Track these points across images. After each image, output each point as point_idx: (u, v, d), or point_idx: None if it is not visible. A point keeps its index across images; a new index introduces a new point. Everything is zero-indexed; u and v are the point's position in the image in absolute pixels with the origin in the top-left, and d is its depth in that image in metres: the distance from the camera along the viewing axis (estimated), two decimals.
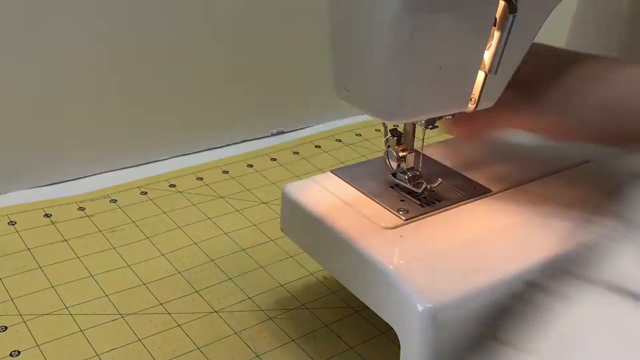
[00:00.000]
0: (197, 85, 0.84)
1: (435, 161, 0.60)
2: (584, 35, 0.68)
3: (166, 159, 0.84)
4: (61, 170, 0.77)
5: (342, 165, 0.84)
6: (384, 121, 0.50)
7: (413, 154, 0.55)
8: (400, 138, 0.54)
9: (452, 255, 0.49)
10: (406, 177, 0.54)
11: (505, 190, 0.56)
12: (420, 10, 0.42)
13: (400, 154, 0.54)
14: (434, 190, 0.55)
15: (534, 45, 0.50)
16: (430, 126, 0.53)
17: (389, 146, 0.54)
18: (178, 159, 0.84)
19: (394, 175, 0.55)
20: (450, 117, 0.53)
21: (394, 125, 0.58)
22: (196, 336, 0.56)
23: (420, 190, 0.54)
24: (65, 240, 0.67)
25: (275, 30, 0.87)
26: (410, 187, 0.54)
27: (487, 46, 0.48)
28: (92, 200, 0.74)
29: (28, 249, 0.65)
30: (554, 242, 0.49)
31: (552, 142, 0.55)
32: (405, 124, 0.54)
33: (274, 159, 0.85)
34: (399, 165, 0.55)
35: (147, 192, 0.76)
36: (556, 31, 0.67)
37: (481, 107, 0.51)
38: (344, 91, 0.49)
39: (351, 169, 0.59)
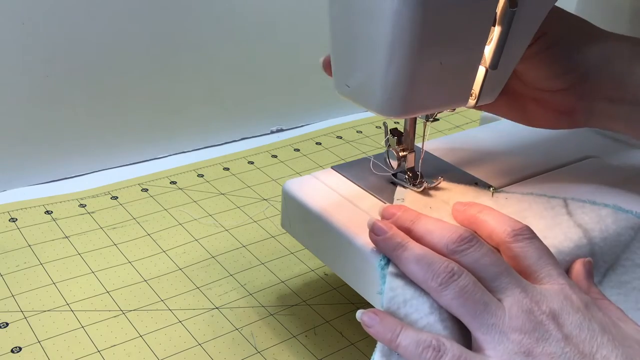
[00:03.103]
0: (198, 83, 0.84)
1: (436, 157, 0.60)
2: None
3: (167, 156, 0.84)
4: (62, 167, 0.77)
5: (342, 162, 0.84)
6: (384, 117, 0.50)
7: (413, 153, 0.55)
8: (400, 138, 0.54)
9: None
10: (406, 176, 0.54)
11: (506, 185, 0.56)
12: (420, 5, 0.42)
13: (401, 153, 0.54)
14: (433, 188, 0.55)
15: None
16: (431, 119, 0.53)
17: (389, 146, 0.54)
18: (179, 156, 0.85)
19: (395, 175, 0.55)
20: None
21: (394, 122, 0.58)
22: (197, 332, 0.56)
23: (420, 190, 0.54)
24: (66, 236, 0.67)
25: (275, 28, 0.87)
26: (410, 187, 0.54)
27: (488, 41, 0.48)
28: (93, 197, 0.74)
29: (29, 245, 0.66)
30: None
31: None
32: (405, 124, 0.54)
33: (274, 156, 0.85)
34: (399, 165, 0.55)
35: (147, 189, 0.76)
36: None
37: (482, 102, 0.51)
38: (344, 87, 0.49)
39: (352, 166, 0.59)
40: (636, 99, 0.49)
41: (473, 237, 0.43)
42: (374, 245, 0.47)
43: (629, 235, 0.50)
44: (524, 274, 0.43)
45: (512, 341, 0.39)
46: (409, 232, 0.46)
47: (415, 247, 0.44)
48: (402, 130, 0.54)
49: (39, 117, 0.75)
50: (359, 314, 0.43)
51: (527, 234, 0.44)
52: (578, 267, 0.47)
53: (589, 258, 0.48)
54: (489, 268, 0.42)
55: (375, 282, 0.46)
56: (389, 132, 0.54)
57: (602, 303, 0.44)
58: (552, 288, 0.42)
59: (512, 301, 0.40)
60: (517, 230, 0.44)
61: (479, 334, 0.40)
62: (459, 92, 0.49)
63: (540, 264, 0.43)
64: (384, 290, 0.44)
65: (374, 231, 0.46)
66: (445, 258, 0.42)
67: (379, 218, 0.48)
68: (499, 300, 0.41)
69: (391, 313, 0.43)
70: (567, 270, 0.47)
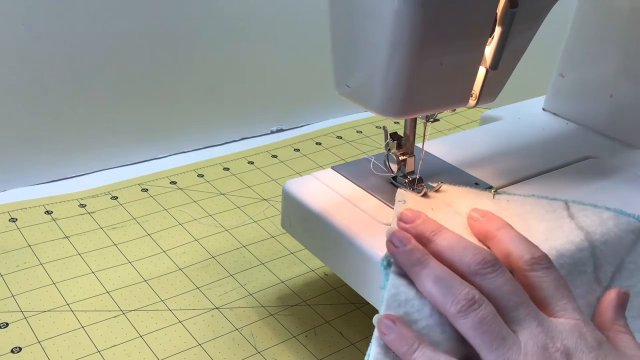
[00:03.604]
0: (198, 83, 0.84)
1: (436, 157, 0.60)
2: (584, 35, 0.68)
3: (167, 156, 0.84)
4: (62, 167, 0.77)
5: (342, 161, 0.84)
6: (384, 117, 0.50)
7: (413, 157, 0.54)
8: (400, 142, 0.54)
9: None
10: (406, 180, 0.54)
11: (506, 186, 0.56)
12: (420, 5, 0.42)
13: (401, 157, 0.54)
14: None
15: None
16: (431, 119, 0.53)
17: (389, 150, 0.54)
18: (179, 156, 0.85)
19: (395, 178, 0.55)
20: None
21: (394, 123, 0.58)
22: (197, 332, 0.56)
23: (420, 194, 0.54)
24: (67, 236, 0.67)
25: (275, 28, 0.87)
26: (410, 191, 0.54)
27: (488, 42, 0.48)
28: (93, 197, 0.74)
29: (29, 245, 0.65)
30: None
31: None
32: (405, 127, 0.54)
33: (274, 156, 0.85)
34: (399, 169, 0.55)
35: (148, 189, 0.76)
36: (556, 31, 0.67)
37: (482, 103, 0.51)
38: (344, 87, 0.49)
39: (351, 166, 0.59)
40: None
41: (496, 262, 0.42)
42: (374, 246, 0.47)
43: (631, 239, 0.50)
44: (539, 305, 0.42)
45: None
46: (428, 242, 0.44)
47: (435, 266, 0.42)
48: (401, 135, 0.54)
49: (39, 117, 0.75)
50: (376, 319, 0.42)
51: (545, 263, 0.43)
52: (611, 296, 0.45)
53: (627, 290, 0.46)
54: (510, 297, 0.41)
55: (376, 282, 0.46)
56: (388, 136, 0.54)
57: (623, 338, 0.43)
58: (567, 323, 0.41)
59: (528, 335, 0.40)
60: (536, 259, 0.43)
61: None
62: (459, 92, 0.49)
63: (556, 296, 0.42)
64: (387, 286, 0.44)
65: (393, 242, 0.44)
66: (464, 282, 0.41)
67: (391, 222, 0.47)
68: (514, 332, 0.40)
69: (391, 309, 0.43)
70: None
